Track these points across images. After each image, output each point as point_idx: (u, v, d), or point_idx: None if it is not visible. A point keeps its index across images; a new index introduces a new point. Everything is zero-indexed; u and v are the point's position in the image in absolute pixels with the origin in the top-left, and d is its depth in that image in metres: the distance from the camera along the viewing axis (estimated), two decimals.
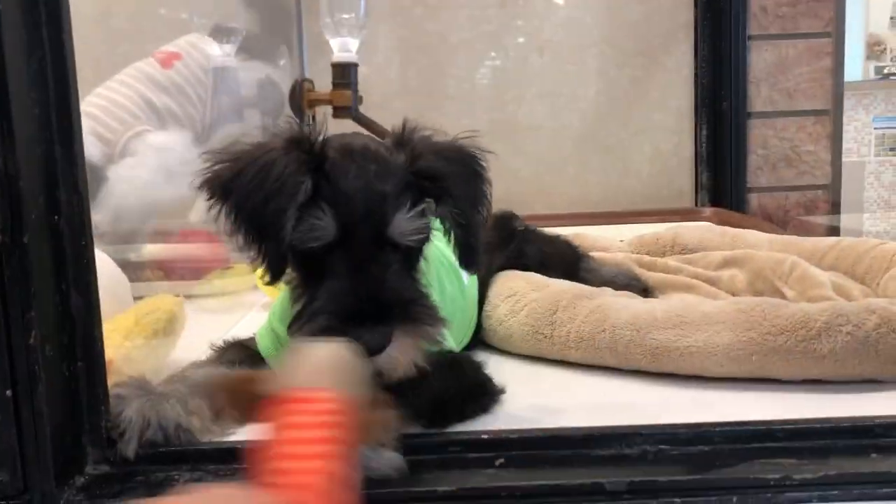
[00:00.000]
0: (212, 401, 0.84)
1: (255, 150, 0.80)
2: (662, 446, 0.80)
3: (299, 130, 0.82)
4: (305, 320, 0.78)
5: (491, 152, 0.89)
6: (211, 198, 0.81)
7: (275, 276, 0.81)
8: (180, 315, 1.14)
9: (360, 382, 0.69)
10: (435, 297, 0.98)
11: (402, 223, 0.80)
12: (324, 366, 0.67)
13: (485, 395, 0.91)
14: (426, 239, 0.85)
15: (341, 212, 0.78)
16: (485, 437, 0.81)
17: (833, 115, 2.33)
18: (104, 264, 1.13)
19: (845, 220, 2.37)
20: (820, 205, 2.35)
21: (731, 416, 0.86)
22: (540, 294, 1.13)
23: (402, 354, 0.78)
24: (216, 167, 0.82)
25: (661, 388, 0.98)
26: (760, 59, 2.31)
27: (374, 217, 0.79)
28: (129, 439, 0.77)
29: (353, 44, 1.90)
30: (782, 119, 2.33)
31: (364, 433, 0.68)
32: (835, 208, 2.34)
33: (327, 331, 0.75)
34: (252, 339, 0.99)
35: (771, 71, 2.32)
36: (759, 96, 2.33)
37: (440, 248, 1.11)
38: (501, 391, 0.92)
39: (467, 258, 0.88)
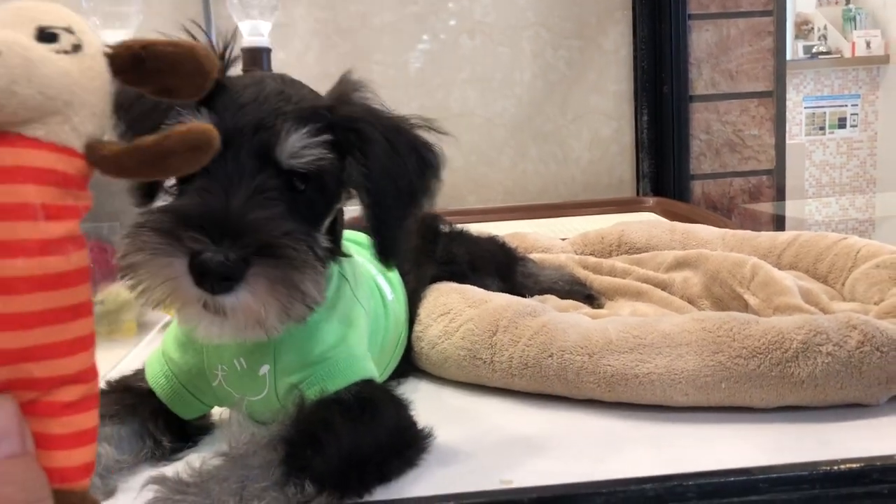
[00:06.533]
0: None
1: None
2: None
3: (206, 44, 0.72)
4: (129, 231, 0.62)
5: (445, 138, 0.83)
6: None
7: (146, 196, 0.72)
8: None
9: None
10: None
11: (294, 143, 0.67)
12: None
13: (410, 445, 0.74)
14: (319, 170, 0.69)
15: (225, 119, 0.66)
16: None
17: (776, 97, 2.24)
18: None
19: (790, 206, 2.30)
20: (764, 190, 2.27)
21: (701, 457, 0.74)
22: (477, 312, 0.99)
23: (256, 301, 0.62)
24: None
25: (619, 420, 0.85)
26: (701, 40, 2.21)
27: (263, 133, 0.67)
28: None
29: (265, 26, 1.72)
30: (725, 102, 2.23)
31: None
32: (779, 193, 2.26)
33: (159, 234, 0.60)
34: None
35: (712, 52, 2.22)
36: (701, 78, 2.23)
37: (359, 262, 0.97)
38: (429, 436, 0.77)
39: (381, 247, 0.75)
